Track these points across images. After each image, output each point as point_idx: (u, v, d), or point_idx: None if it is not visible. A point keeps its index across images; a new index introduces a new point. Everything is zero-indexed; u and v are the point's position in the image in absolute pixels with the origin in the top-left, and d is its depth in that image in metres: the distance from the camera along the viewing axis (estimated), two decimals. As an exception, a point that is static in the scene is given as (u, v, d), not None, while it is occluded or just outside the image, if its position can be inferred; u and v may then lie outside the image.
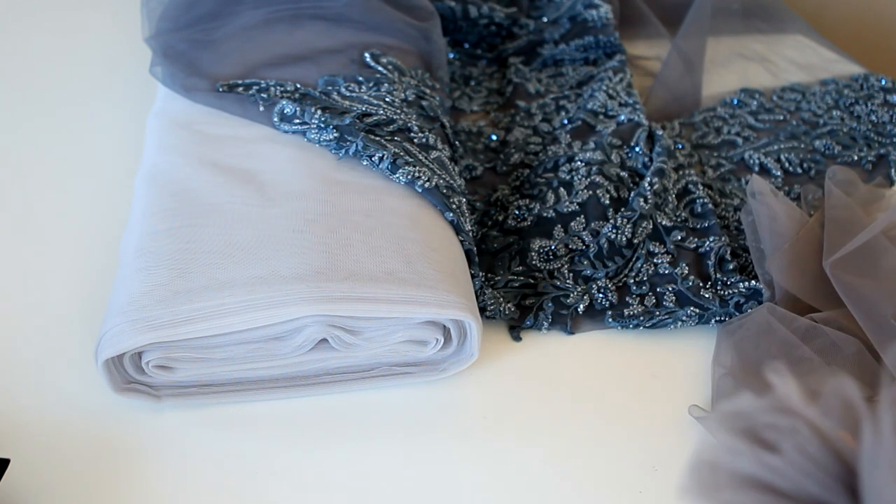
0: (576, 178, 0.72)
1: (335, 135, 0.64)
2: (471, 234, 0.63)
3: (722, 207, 0.75)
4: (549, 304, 0.64)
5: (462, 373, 0.58)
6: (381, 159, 0.62)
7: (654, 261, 0.67)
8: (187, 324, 0.50)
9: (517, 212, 0.71)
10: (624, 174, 0.74)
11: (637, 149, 0.77)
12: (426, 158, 0.65)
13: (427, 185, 0.62)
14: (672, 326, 0.63)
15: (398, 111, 0.67)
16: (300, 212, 0.58)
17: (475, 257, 0.63)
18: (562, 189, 0.72)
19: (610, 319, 0.63)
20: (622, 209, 0.70)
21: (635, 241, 0.68)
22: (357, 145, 0.63)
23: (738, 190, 0.78)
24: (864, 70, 1.01)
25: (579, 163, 0.74)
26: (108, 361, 0.51)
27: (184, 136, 0.66)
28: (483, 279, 0.64)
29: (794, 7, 1.16)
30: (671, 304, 0.64)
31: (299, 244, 0.55)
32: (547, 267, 0.67)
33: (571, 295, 0.65)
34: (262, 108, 0.67)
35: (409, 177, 0.62)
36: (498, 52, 0.98)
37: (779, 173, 0.81)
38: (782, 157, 0.83)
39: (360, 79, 0.71)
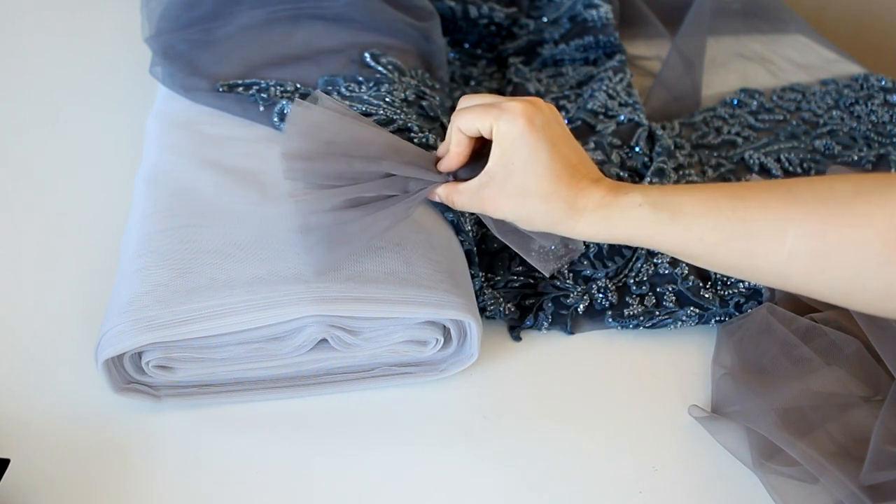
0: (576, 178, 0.72)
1: (335, 135, 0.64)
2: (471, 234, 0.63)
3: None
4: (549, 304, 0.64)
5: (462, 373, 0.58)
6: (381, 159, 0.62)
7: (654, 261, 0.67)
8: (187, 324, 0.50)
9: (517, 212, 0.71)
10: (624, 174, 0.74)
11: (637, 149, 0.77)
12: (426, 158, 0.65)
13: (427, 185, 0.61)
14: (672, 326, 0.63)
15: (398, 111, 0.67)
16: (300, 212, 0.58)
17: (475, 257, 0.63)
18: (562, 189, 0.72)
19: (610, 319, 0.63)
20: (622, 209, 0.70)
21: (635, 241, 0.68)
22: (357, 145, 0.62)
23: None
24: (864, 70, 1.01)
25: (579, 163, 0.74)
26: (108, 361, 0.51)
27: (184, 136, 0.66)
28: (483, 279, 0.64)
29: (794, 7, 1.16)
30: (671, 304, 0.64)
31: (299, 244, 0.55)
32: (547, 267, 0.67)
33: (571, 295, 0.65)
34: (262, 108, 0.67)
35: (409, 177, 0.62)
36: (498, 52, 0.98)
37: (779, 173, 0.81)
38: (782, 156, 0.83)
39: (360, 79, 0.71)
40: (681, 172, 0.77)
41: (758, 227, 0.44)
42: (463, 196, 0.52)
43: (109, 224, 0.68)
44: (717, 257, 0.46)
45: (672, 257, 0.67)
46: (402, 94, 0.70)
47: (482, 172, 0.51)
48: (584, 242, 0.68)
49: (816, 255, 0.42)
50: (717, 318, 0.63)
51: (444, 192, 0.54)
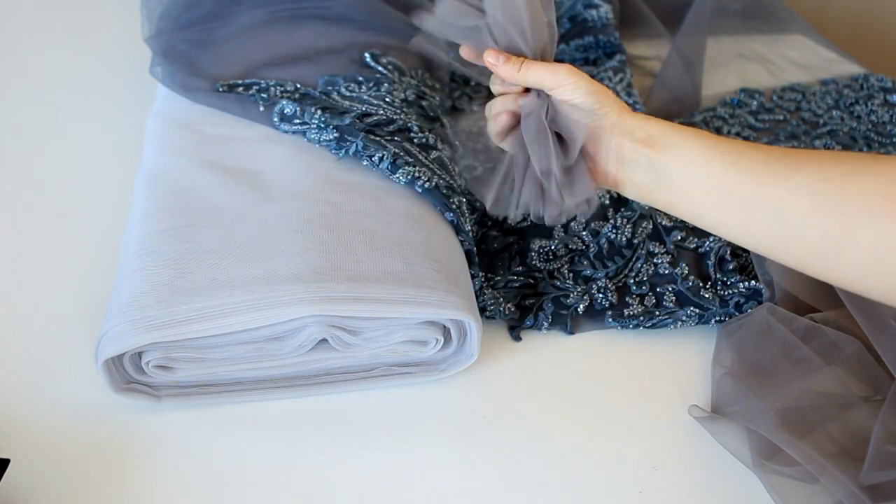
0: (576, 178, 0.72)
1: (335, 135, 0.64)
2: (471, 234, 0.63)
3: (722, 207, 0.75)
4: (549, 304, 0.64)
5: (462, 373, 0.58)
6: (381, 159, 0.62)
7: (654, 261, 0.67)
8: (187, 324, 0.50)
9: (517, 212, 0.71)
10: (624, 174, 0.74)
11: (637, 149, 0.77)
12: (426, 158, 0.65)
13: (427, 185, 0.62)
14: (672, 326, 0.63)
15: (398, 111, 0.67)
16: (300, 212, 0.58)
17: (475, 257, 0.63)
18: (562, 189, 0.72)
19: (610, 319, 0.63)
20: (622, 209, 0.70)
21: (635, 241, 0.68)
22: (357, 145, 0.63)
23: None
24: (864, 70, 1.01)
25: (579, 163, 0.74)
26: (108, 361, 0.51)
27: (184, 136, 0.66)
28: (483, 279, 0.64)
29: (794, 7, 1.16)
30: (671, 304, 0.64)
31: (299, 244, 0.55)
32: (547, 267, 0.67)
33: (571, 295, 0.65)
34: (262, 108, 0.67)
35: (409, 177, 0.62)
36: (498, 52, 0.98)
37: (779, 173, 0.81)
38: (782, 157, 0.83)
39: (360, 79, 0.71)
40: (681, 172, 0.77)
41: (769, 162, 0.47)
42: (535, 66, 0.53)
43: (109, 224, 0.68)
44: (727, 187, 0.48)
45: (671, 258, 0.67)
46: (402, 94, 0.70)
47: None
48: (583, 240, 0.68)
49: (819, 194, 0.43)
50: (717, 318, 0.63)
51: (509, 62, 0.54)
